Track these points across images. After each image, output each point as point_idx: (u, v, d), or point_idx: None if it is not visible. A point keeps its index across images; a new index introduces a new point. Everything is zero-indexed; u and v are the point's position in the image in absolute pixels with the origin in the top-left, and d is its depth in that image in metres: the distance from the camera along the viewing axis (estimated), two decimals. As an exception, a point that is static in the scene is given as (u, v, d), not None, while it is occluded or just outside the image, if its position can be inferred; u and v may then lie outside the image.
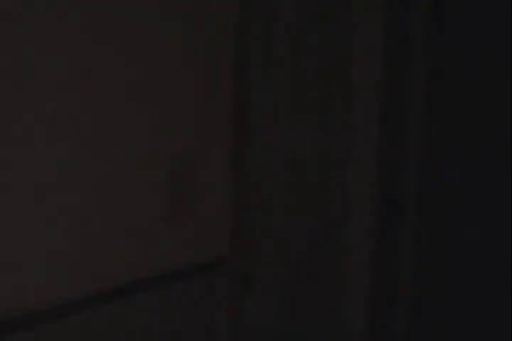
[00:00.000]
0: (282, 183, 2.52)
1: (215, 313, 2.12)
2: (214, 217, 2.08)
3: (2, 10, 1.42)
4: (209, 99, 2.02)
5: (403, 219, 3.24)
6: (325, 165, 2.79)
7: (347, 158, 2.94)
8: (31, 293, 1.55)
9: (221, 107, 2.07)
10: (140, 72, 1.79)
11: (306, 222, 2.71)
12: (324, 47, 2.71)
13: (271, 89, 2.41)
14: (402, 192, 3.21)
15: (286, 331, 2.65)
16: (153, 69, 1.82)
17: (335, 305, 2.97)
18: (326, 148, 2.78)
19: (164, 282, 1.91)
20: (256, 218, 2.39)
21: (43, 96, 1.54)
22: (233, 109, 2.09)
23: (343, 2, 2.78)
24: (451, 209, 3.16)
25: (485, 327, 3.10)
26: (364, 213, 2.93)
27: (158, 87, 1.85)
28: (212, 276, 2.08)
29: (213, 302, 2.11)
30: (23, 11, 1.47)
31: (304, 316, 2.77)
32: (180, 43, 1.90)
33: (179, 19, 1.89)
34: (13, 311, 1.50)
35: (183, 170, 1.94)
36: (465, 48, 3.06)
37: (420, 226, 3.25)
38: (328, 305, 2.92)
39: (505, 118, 3.01)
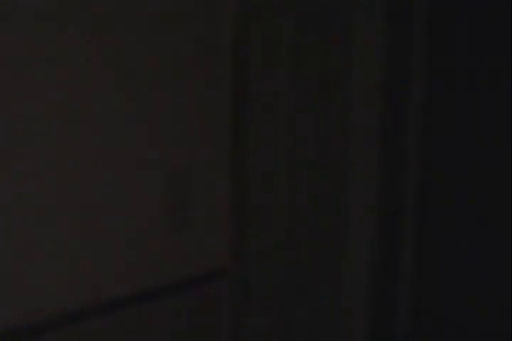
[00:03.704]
0: (283, 193, 2.49)
1: (215, 324, 2.11)
2: (214, 227, 2.08)
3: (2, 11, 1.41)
4: (210, 108, 2.02)
5: (403, 228, 3.21)
6: (324, 169, 2.76)
7: (346, 160, 2.91)
8: (31, 304, 1.56)
9: (221, 115, 2.06)
10: (139, 81, 1.78)
11: (306, 232, 2.67)
12: (324, 48, 2.68)
13: (270, 88, 2.38)
14: (402, 197, 3.18)
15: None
16: (152, 78, 1.82)
17: (335, 315, 2.94)
18: (325, 150, 2.75)
19: (164, 293, 1.91)
20: (256, 228, 2.37)
21: (39, 106, 1.53)
22: (232, 112, 2.07)
23: (344, 3, 2.76)
24: (451, 214, 3.14)
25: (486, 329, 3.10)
26: (364, 220, 2.90)
27: (158, 96, 1.84)
28: (212, 287, 2.08)
29: (213, 313, 2.10)
30: (23, 15, 1.46)
31: (304, 327, 2.74)
32: (182, 53, 1.89)
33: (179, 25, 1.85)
34: (14, 322, 1.52)
35: (183, 180, 1.93)
36: (465, 47, 3.05)
37: (420, 233, 3.22)
38: (328, 315, 2.90)
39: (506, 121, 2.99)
